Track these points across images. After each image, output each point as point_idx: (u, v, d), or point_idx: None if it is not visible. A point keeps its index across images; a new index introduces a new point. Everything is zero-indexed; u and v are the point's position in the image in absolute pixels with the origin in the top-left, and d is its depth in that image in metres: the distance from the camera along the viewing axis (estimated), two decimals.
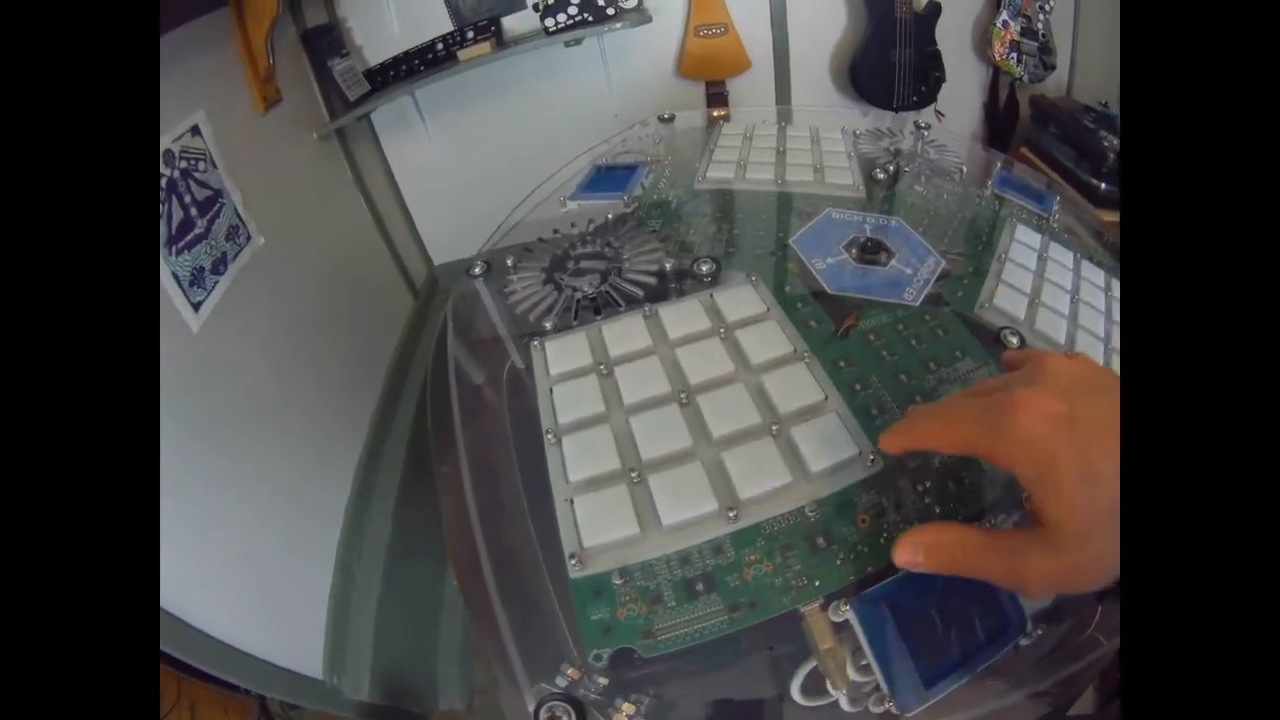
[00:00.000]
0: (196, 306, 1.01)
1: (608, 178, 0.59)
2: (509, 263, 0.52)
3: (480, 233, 0.63)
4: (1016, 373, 0.31)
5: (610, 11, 1.19)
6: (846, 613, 0.33)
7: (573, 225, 0.54)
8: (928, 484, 0.38)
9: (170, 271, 0.96)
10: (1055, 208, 0.57)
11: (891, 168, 0.57)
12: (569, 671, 0.34)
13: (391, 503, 1.32)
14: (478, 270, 0.52)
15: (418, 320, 1.62)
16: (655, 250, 0.50)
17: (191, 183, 1.05)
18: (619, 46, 1.32)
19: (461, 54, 1.27)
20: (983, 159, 0.64)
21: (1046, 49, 1.39)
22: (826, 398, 0.40)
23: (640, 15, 1.21)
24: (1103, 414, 0.26)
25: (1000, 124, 1.49)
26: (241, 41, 1.19)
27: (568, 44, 1.25)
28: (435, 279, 1.73)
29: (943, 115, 1.28)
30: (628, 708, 0.33)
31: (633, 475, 0.37)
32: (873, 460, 0.37)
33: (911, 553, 0.30)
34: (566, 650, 0.35)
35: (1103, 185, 1.22)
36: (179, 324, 0.97)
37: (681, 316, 0.45)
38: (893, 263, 0.49)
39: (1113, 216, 1.06)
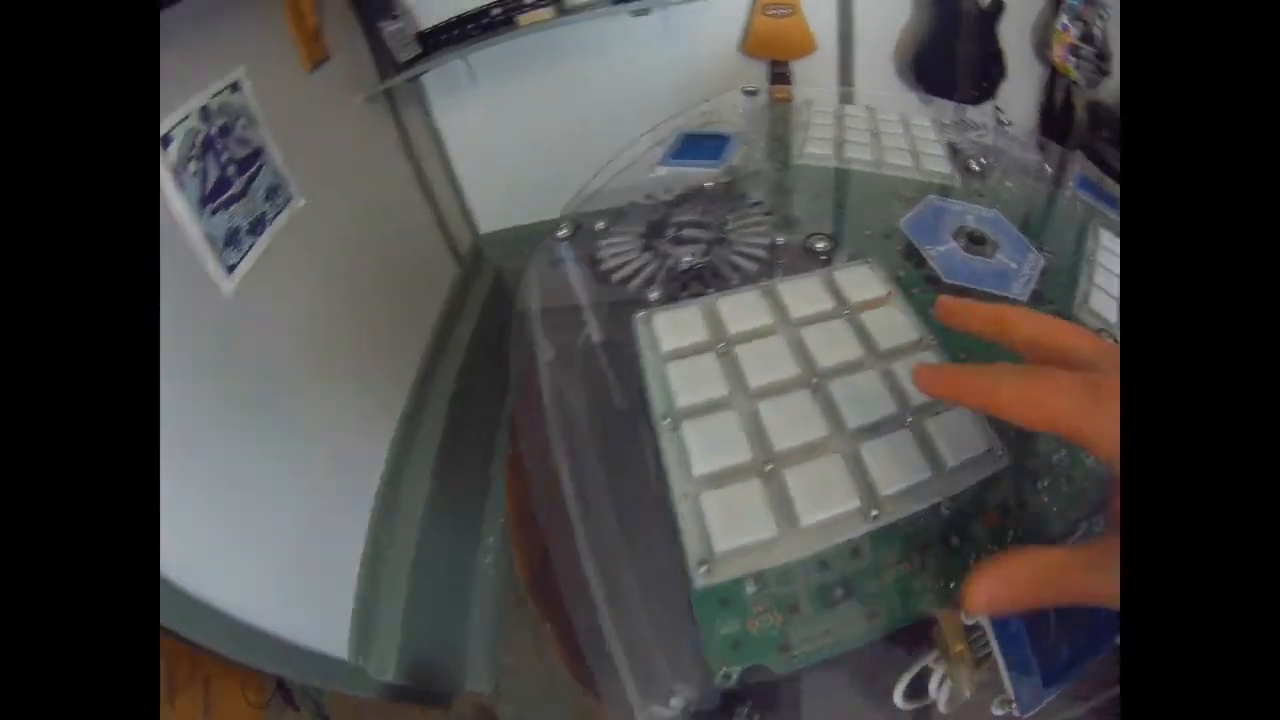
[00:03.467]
0: (230, 269, 0.93)
1: (699, 146, 0.53)
2: (598, 226, 0.46)
3: (532, 203, 0.57)
4: (1092, 353, 0.25)
5: None
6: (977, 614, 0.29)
7: (666, 191, 0.48)
8: (1045, 482, 0.34)
9: (204, 233, 0.89)
10: None
11: (985, 160, 0.51)
12: (686, 691, 0.29)
13: (426, 479, 1.26)
14: (563, 232, 0.46)
15: (460, 289, 1.54)
16: (761, 223, 0.45)
17: (230, 140, 0.97)
18: (683, 22, 1.24)
19: (522, 19, 1.19)
20: (1057, 158, 0.58)
21: (1103, 55, 1.33)
22: None
23: None
24: None
25: (1056, 126, 1.43)
26: None
27: (635, 13, 1.17)
28: (480, 248, 1.64)
29: (1001, 111, 1.23)
30: None
31: (767, 467, 0.32)
32: (1002, 455, 0.33)
33: (990, 590, 0.24)
34: (681, 666, 0.30)
35: None
36: (211, 288, 0.90)
37: (803, 294, 0.40)
38: (998, 255, 0.44)
39: None
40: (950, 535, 0.31)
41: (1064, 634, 0.31)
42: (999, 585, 0.24)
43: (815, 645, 0.29)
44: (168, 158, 0.84)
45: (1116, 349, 0.25)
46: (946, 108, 0.63)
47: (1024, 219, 0.46)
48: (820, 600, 0.30)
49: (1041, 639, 0.31)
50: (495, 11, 1.21)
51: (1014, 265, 0.43)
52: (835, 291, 0.40)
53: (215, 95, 0.93)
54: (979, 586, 0.24)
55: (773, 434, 0.33)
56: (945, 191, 0.48)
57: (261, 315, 1.00)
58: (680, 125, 0.56)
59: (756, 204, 0.46)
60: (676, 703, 0.29)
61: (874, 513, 0.31)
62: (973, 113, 0.58)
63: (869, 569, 0.30)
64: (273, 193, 1.04)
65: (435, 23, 1.25)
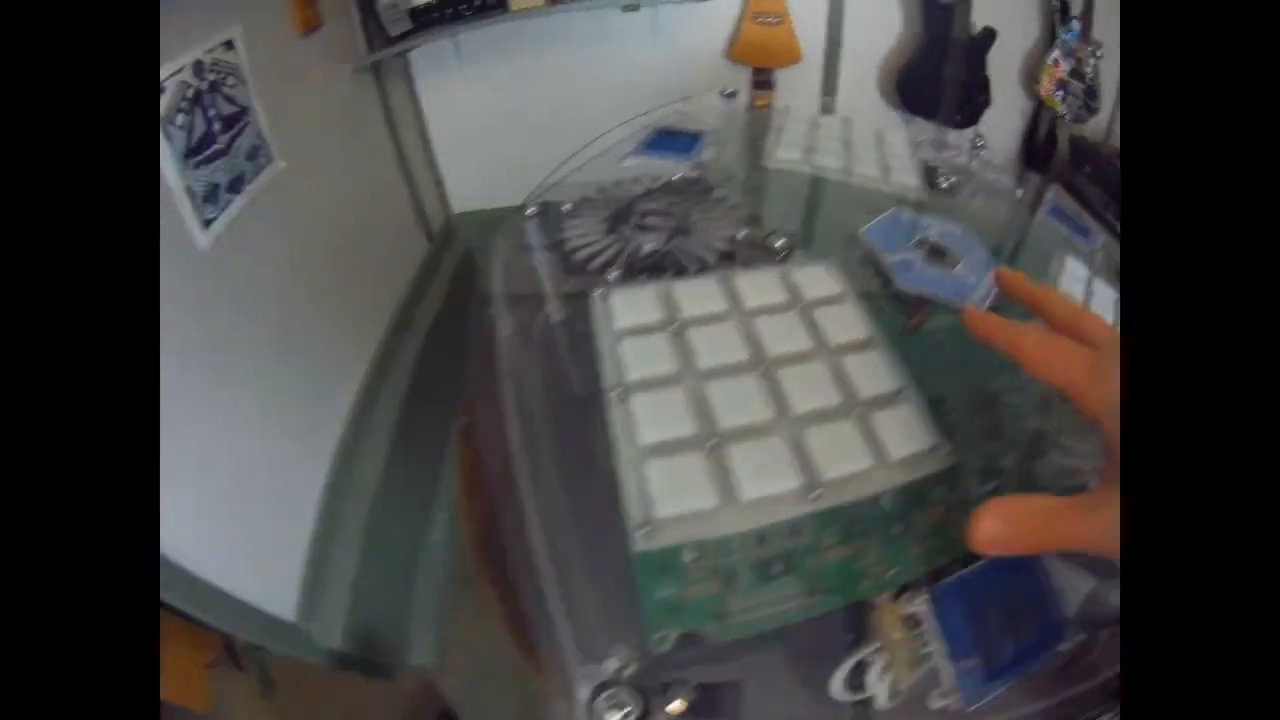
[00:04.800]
0: (207, 224, 0.91)
1: (671, 140, 0.53)
2: (565, 208, 0.46)
3: (506, 187, 0.56)
4: (1104, 338, 0.28)
5: None
6: (921, 604, 0.31)
7: (634, 181, 0.48)
8: (993, 485, 0.34)
9: (185, 186, 0.87)
10: (1100, 245, 0.54)
11: (954, 178, 0.53)
12: (624, 654, 0.29)
13: (384, 450, 1.24)
14: (531, 211, 0.46)
15: (429, 265, 1.49)
16: (725, 218, 0.45)
17: (219, 97, 0.94)
18: (672, 22, 1.25)
19: (514, 3, 1.17)
20: (1032, 185, 0.61)
21: (1092, 93, 1.37)
22: (903, 388, 0.36)
23: None
24: None
25: (1037, 156, 1.47)
26: None
27: (625, 8, 1.17)
28: (452, 227, 1.61)
29: (982, 139, 1.27)
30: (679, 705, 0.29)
31: (710, 443, 0.32)
32: (949, 453, 0.33)
33: (992, 529, 0.25)
34: (620, 631, 0.29)
35: None
36: (187, 241, 0.87)
37: (758, 286, 0.40)
38: (958, 268, 0.45)
39: None
40: (892, 525, 0.31)
41: (1009, 631, 0.32)
42: (1003, 525, 0.25)
43: (752, 616, 0.29)
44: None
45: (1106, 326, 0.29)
46: (925, 128, 0.65)
47: (989, 239, 0.48)
48: (758, 573, 0.30)
49: (984, 633, 0.31)
50: None
51: (972, 279, 0.44)
52: (791, 287, 0.40)
53: (209, 51, 0.91)
54: (983, 525, 0.25)
55: (719, 412, 0.33)
56: (912, 205, 0.49)
57: (233, 272, 0.95)
58: (655, 120, 0.56)
59: (721, 200, 0.47)
60: (611, 664, 0.28)
61: (814, 494, 0.31)
62: (953, 136, 0.59)
63: (808, 548, 0.30)
64: (254, 153, 1.01)
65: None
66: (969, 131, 1.06)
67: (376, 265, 1.35)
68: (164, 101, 0.81)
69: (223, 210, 0.92)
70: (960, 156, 0.56)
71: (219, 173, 0.92)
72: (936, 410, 0.36)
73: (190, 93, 0.88)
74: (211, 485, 0.88)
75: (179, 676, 1.42)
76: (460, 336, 0.48)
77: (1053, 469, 0.35)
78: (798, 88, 1.25)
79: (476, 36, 1.29)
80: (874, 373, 0.36)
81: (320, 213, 1.17)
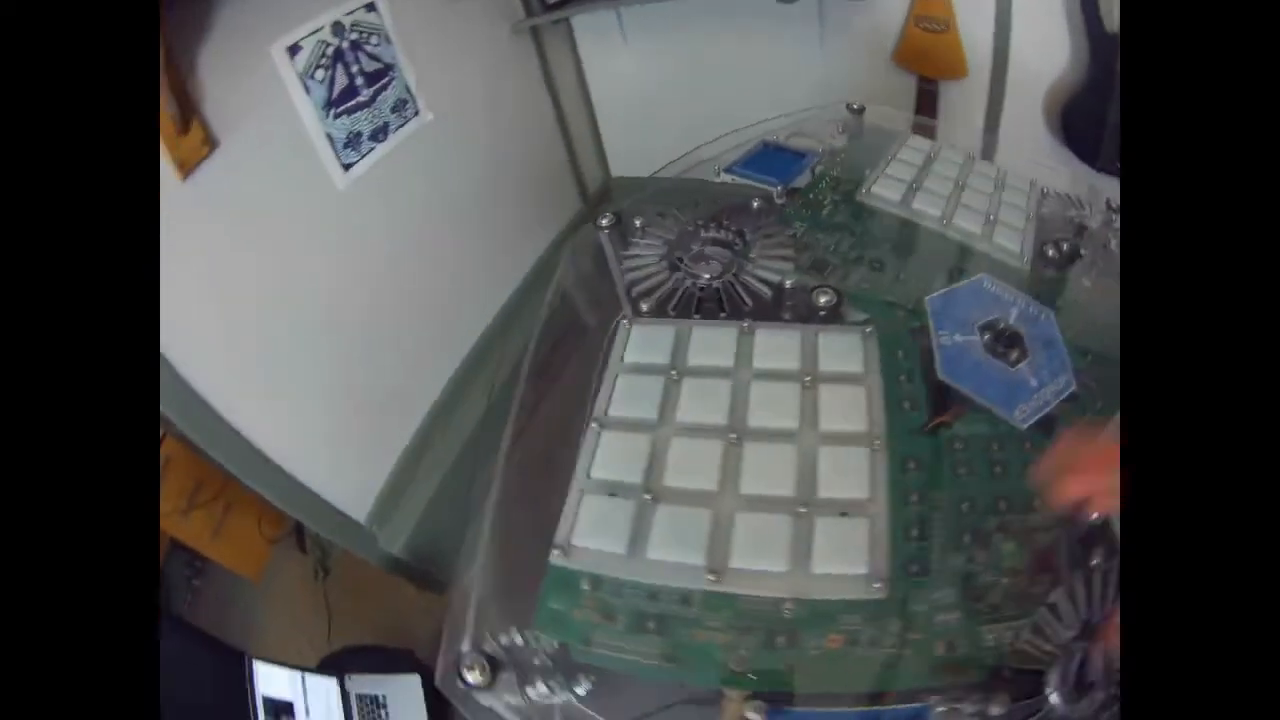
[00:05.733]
0: (347, 167, 1.05)
1: (772, 158, 0.50)
2: (638, 223, 0.47)
3: (661, 156, 0.58)
4: None
5: None
6: (755, 715, 0.31)
7: (712, 201, 0.48)
8: (918, 636, 0.31)
9: (325, 133, 1.01)
10: None
11: (1066, 247, 0.42)
12: (515, 636, 0.34)
13: (497, 386, 1.31)
14: (605, 222, 0.48)
15: (580, 222, 1.53)
16: (784, 258, 0.43)
17: (362, 54, 1.06)
18: (840, 16, 1.10)
19: None
20: None
21: None
22: (871, 499, 0.33)
23: None
24: None
25: None
26: None
27: (780, 0, 1.07)
28: (609, 189, 1.65)
29: None
30: (542, 689, 0.33)
31: (646, 497, 0.35)
32: (878, 587, 0.31)
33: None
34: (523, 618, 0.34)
35: None
36: (325, 180, 1.01)
37: (775, 347, 0.39)
38: (1021, 366, 0.37)
39: None
40: (779, 634, 0.31)
41: None
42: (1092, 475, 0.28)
43: (612, 654, 0.32)
44: (294, 66, 0.96)
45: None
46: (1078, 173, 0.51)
47: (1077, 332, 0.39)
48: (634, 622, 0.32)
49: None
50: None
51: (1033, 383, 0.37)
52: (808, 354, 0.38)
53: (349, 13, 1.02)
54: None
55: (670, 471, 0.36)
56: (1004, 273, 0.41)
57: (375, 211, 1.10)
58: (771, 129, 0.52)
59: (791, 236, 0.44)
60: (503, 639, 0.34)
61: (711, 576, 0.32)
62: (1095, 187, 0.47)
63: (687, 620, 0.32)
64: (400, 106, 1.12)
65: None
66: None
67: (523, 218, 1.44)
68: (302, 59, 0.96)
69: (364, 156, 1.05)
70: (1092, 219, 0.44)
71: (361, 122, 1.05)
72: (905, 535, 0.33)
73: (330, 50, 0.99)
74: (317, 393, 1.06)
75: (240, 544, 1.75)
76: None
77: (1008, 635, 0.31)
78: (963, 107, 1.05)
79: (642, 12, 1.28)
80: (847, 473, 0.34)
81: (466, 164, 1.27)
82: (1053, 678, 0.29)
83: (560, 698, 0.33)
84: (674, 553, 0.33)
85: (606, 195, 1.64)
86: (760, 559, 0.32)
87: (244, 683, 0.95)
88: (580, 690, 0.33)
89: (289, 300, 1.00)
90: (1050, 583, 0.32)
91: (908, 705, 0.31)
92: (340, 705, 1.01)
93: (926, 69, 1.08)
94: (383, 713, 1.03)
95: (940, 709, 0.30)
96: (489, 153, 1.34)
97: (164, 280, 0.86)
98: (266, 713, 0.95)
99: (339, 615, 1.36)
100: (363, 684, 1.04)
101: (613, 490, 0.36)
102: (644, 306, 0.43)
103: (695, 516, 0.34)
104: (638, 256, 0.45)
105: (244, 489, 1.52)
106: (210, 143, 0.86)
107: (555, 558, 0.34)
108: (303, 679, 1.00)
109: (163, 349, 0.83)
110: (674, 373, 0.39)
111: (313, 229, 1.02)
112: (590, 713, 0.33)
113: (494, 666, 0.33)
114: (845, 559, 0.32)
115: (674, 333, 0.41)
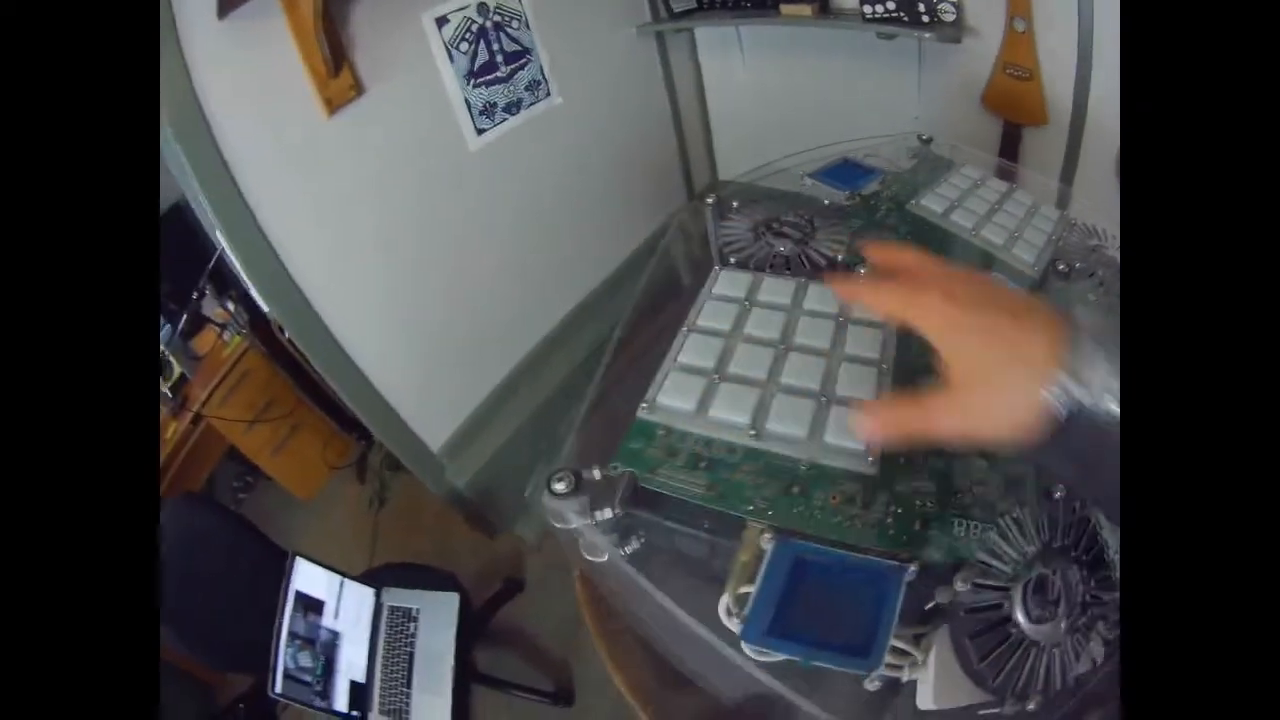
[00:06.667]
0: (480, 132, 1.17)
1: (847, 171, 0.63)
2: (734, 204, 0.61)
3: (756, 162, 0.68)
4: (915, 265, 0.33)
5: (925, 19, 1.11)
6: (768, 542, 0.38)
7: (796, 197, 0.61)
8: (898, 509, 0.40)
9: (463, 98, 1.14)
10: None
11: (1078, 265, 0.52)
12: (596, 471, 0.43)
13: (581, 356, 1.38)
14: (710, 200, 0.62)
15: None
16: (839, 242, 0.56)
17: (503, 35, 1.19)
18: (935, 56, 1.21)
19: (785, 8, 1.26)
20: None
21: None
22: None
23: (952, 32, 1.11)
24: (975, 292, 0.31)
25: None
26: None
27: (880, 35, 1.19)
28: (715, 189, 1.73)
29: None
30: (607, 511, 0.41)
31: (714, 377, 0.47)
32: (871, 462, 0.42)
33: (874, 422, 0.33)
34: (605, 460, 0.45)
35: None
36: (459, 140, 1.14)
37: (821, 297, 0.52)
38: None
39: None
40: (794, 485, 0.42)
41: (819, 616, 0.36)
42: (877, 421, 0.33)
43: (671, 483, 0.43)
44: (441, 36, 1.09)
45: (931, 261, 0.34)
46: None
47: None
48: (690, 461, 0.44)
49: (797, 606, 0.36)
50: None
51: None
52: (844, 304, 0.51)
53: None
54: (869, 415, 0.33)
55: (734, 362, 0.48)
56: (1018, 279, 0.52)
57: (500, 175, 1.21)
58: (854, 148, 0.66)
59: (849, 227, 0.57)
60: (586, 474, 0.43)
61: (753, 433, 0.44)
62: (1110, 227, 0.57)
63: (730, 463, 0.43)
64: (534, 86, 1.25)
65: None
66: None
67: (633, 204, 1.60)
68: (446, 31, 1.10)
69: (496, 125, 1.20)
70: (1106, 248, 0.54)
71: (497, 95, 1.19)
72: None
73: (475, 27, 1.14)
74: (422, 329, 1.17)
75: (299, 464, 1.74)
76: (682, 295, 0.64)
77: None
78: (1044, 152, 1.12)
79: (758, 31, 1.45)
80: (859, 384, 0.46)
81: (587, 148, 1.41)
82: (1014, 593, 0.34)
83: (613, 541, 0.41)
84: (728, 414, 0.45)
85: (712, 193, 1.75)
86: (789, 426, 0.44)
87: (279, 575, 0.99)
88: (628, 549, 0.41)
89: (411, 241, 1.12)
90: (1015, 502, 0.39)
91: (885, 561, 0.37)
92: (371, 612, 1.08)
93: (1011, 114, 1.16)
94: (412, 625, 1.08)
95: (913, 568, 0.37)
96: (608, 141, 1.46)
97: (298, 203, 1.01)
98: (295, 606, 1.00)
99: (386, 544, 1.46)
100: (398, 597, 1.10)
101: (690, 371, 0.48)
102: (731, 260, 0.56)
103: (747, 393, 0.46)
104: (731, 226, 0.59)
105: (313, 414, 1.62)
106: (358, 87, 0.99)
107: (642, 411, 0.47)
108: (341, 583, 1.07)
109: (285, 261, 0.96)
110: (747, 303, 0.52)
111: (441, 181, 1.15)
112: (631, 570, 0.40)
113: (578, 482, 0.43)
114: (850, 438, 0.43)
115: (750, 279, 0.54)
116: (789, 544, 0.38)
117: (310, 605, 1.02)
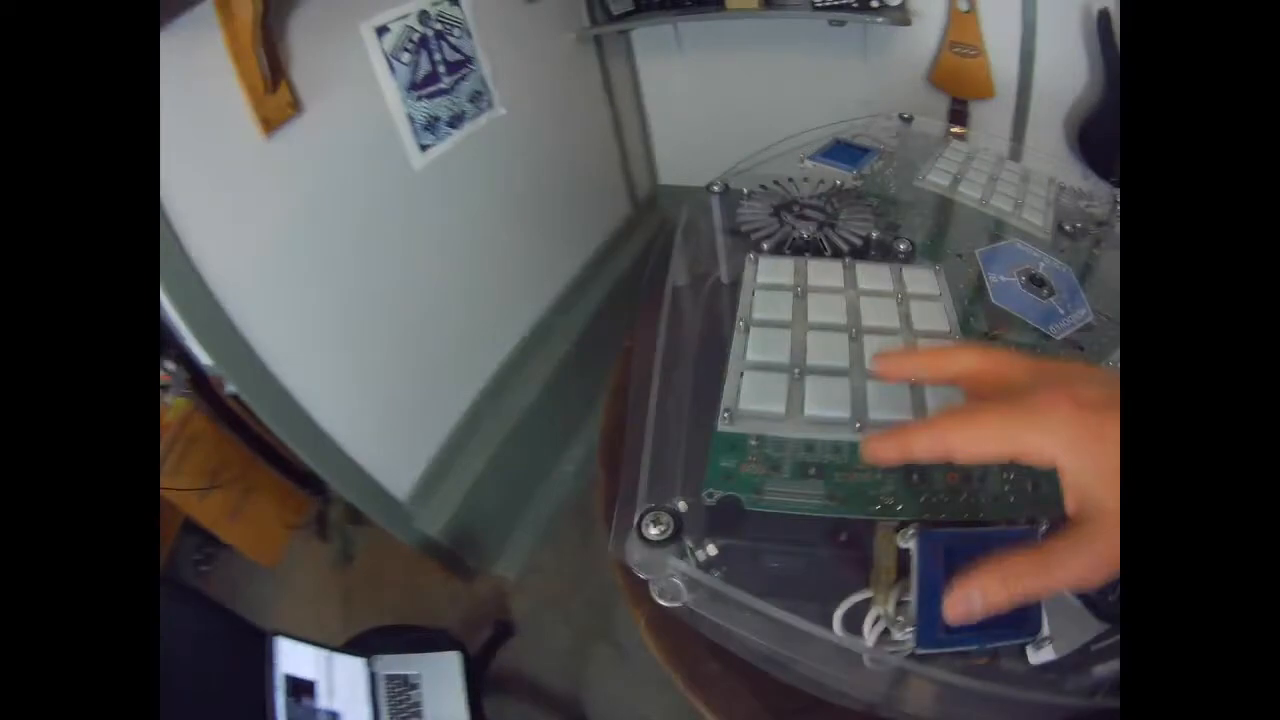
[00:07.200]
0: (424, 149, 1.10)
1: (844, 151, 0.63)
2: (744, 191, 0.59)
3: (708, 166, 0.66)
4: (1027, 375, 0.27)
5: (875, 4, 1.17)
6: (911, 539, 0.35)
7: (804, 179, 0.60)
8: (1010, 475, 0.39)
9: (406, 113, 1.06)
10: None
11: (1079, 224, 0.56)
12: (679, 502, 0.38)
13: (543, 378, 1.32)
14: (717, 188, 0.59)
15: (628, 227, 1.66)
16: (867, 220, 0.55)
17: (445, 44, 1.12)
18: (881, 39, 1.28)
19: (730, 1, 1.27)
20: None
21: None
22: None
23: (901, 15, 1.18)
24: (1105, 394, 0.24)
25: None
26: None
27: (832, 22, 1.23)
28: (656, 195, 1.77)
29: None
30: (712, 548, 0.36)
31: (795, 372, 0.44)
32: None
33: (965, 604, 0.27)
34: (685, 488, 0.39)
35: None
36: (403, 160, 1.07)
37: (872, 275, 0.50)
38: (1051, 299, 0.50)
39: None
40: (914, 473, 0.39)
41: None
42: (971, 595, 0.27)
43: (780, 500, 0.38)
44: (381, 45, 1.02)
45: (1054, 367, 0.28)
46: (1098, 186, 0.64)
47: (1093, 283, 0.52)
48: (796, 470, 0.40)
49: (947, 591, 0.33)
50: None
51: (1061, 311, 0.49)
52: (898, 281, 0.50)
53: (435, 4, 1.09)
54: (955, 598, 0.27)
55: (810, 353, 0.45)
56: (1032, 241, 0.54)
57: (443, 194, 1.14)
58: (838, 131, 0.66)
59: (869, 205, 0.57)
60: (671, 504, 0.36)
61: (858, 425, 0.41)
62: (1102, 189, 0.61)
63: (840, 465, 0.40)
64: (476, 97, 1.18)
65: None
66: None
67: (578, 215, 1.55)
68: (388, 41, 1.02)
69: (440, 141, 1.12)
70: (1099, 209, 0.58)
71: (440, 108, 1.11)
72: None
73: (416, 36, 1.06)
74: (376, 365, 1.07)
75: (258, 529, 1.54)
76: (636, 291, 0.57)
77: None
78: (991, 124, 1.22)
79: (698, 28, 1.43)
80: None
81: (531, 160, 1.35)
82: None
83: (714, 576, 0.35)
84: (827, 409, 0.42)
85: (654, 200, 1.73)
86: (891, 412, 0.42)
87: (261, 660, 0.88)
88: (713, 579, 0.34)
89: (356, 271, 1.03)
90: None
91: (1018, 528, 0.36)
92: (367, 685, 0.98)
93: (958, 90, 1.23)
94: (414, 693, 1.00)
95: (1044, 527, 0.35)
96: (551, 152, 1.41)
97: (233, 235, 0.89)
98: (287, 691, 0.89)
99: (359, 603, 1.34)
100: (392, 664, 1.01)
101: (766, 368, 0.45)
102: (765, 246, 0.54)
103: (838, 384, 0.43)
104: (751, 211, 0.56)
105: (266, 473, 1.46)
106: (297, 105, 0.89)
107: (723, 423, 0.41)
108: (328, 658, 0.96)
109: (223, 304, 0.84)
110: (799, 289, 0.49)
111: (385, 203, 1.06)
112: (753, 599, 0.33)
113: (676, 521, 0.36)
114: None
115: (793, 264, 0.52)
116: (930, 535, 0.35)
117: (301, 688, 0.91)
